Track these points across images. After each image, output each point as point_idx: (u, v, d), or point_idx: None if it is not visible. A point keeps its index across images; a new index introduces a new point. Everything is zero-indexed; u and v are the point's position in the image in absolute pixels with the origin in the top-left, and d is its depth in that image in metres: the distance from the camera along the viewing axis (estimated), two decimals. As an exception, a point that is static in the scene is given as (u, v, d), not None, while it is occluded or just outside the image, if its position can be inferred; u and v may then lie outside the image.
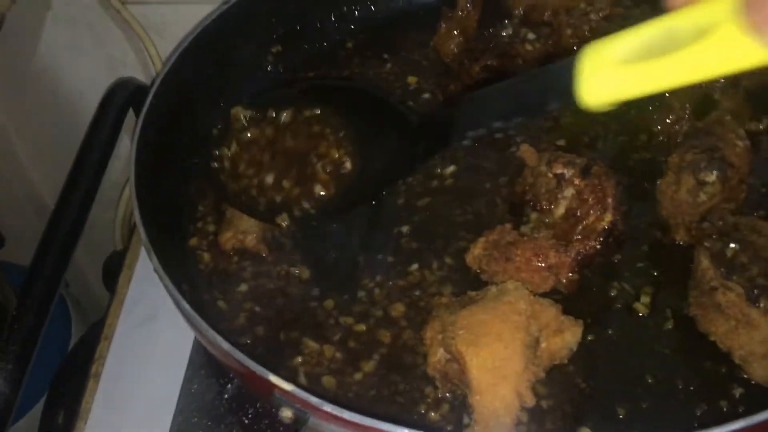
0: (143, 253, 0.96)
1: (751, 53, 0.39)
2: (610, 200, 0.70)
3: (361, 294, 0.74)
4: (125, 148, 1.07)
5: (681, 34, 0.42)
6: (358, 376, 0.68)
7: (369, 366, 0.69)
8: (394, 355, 0.69)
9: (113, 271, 1.06)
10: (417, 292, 0.74)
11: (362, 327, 0.72)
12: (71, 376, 1.11)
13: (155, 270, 0.63)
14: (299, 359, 0.70)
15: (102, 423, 0.80)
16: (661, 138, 0.82)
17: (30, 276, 0.84)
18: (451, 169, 0.84)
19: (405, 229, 0.79)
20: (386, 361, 0.69)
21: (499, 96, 0.61)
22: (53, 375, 1.14)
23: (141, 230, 0.65)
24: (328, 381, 0.68)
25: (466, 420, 0.63)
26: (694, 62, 0.41)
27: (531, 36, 0.89)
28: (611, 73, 0.46)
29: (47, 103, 1.29)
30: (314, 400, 0.53)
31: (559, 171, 0.73)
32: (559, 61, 0.49)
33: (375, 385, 0.68)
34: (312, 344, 0.70)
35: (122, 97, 1.03)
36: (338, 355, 0.70)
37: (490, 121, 0.60)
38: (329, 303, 0.74)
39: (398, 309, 0.73)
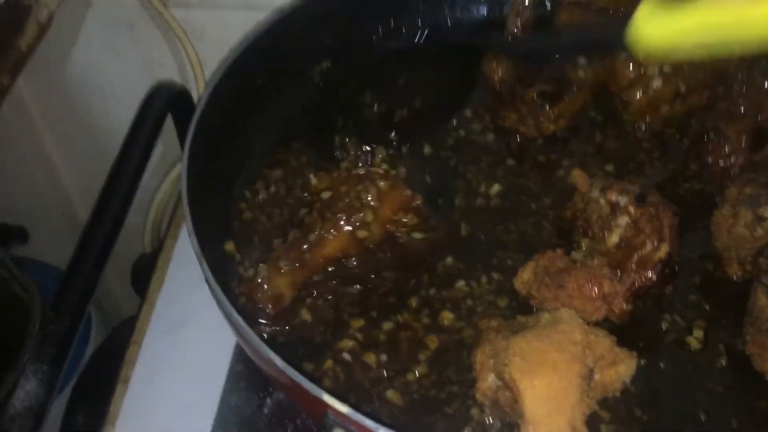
0: (177, 257, 0.95)
1: None
2: (667, 231, 0.69)
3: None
4: (157, 151, 1.07)
5: None
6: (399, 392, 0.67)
7: (415, 373, 0.68)
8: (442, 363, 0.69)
9: (142, 273, 1.05)
10: (467, 303, 0.73)
11: (408, 333, 0.71)
12: (95, 381, 1.11)
13: (206, 280, 0.62)
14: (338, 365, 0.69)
15: (132, 430, 0.79)
16: (714, 169, 0.80)
17: (67, 278, 0.83)
18: (495, 188, 0.83)
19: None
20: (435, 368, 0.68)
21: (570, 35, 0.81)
22: (77, 377, 1.13)
23: (192, 239, 0.63)
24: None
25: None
26: (739, 15, 0.47)
27: (582, 61, 0.87)
28: (663, 14, 0.53)
29: (80, 102, 1.28)
30: (370, 423, 0.52)
31: (613, 198, 0.72)
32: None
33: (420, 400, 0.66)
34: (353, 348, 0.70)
35: (162, 100, 1.02)
36: (383, 359, 0.69)
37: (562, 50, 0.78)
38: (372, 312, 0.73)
39: (447, 317, 0.72)
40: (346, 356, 0.69)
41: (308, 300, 0.73)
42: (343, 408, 0.52)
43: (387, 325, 0.71)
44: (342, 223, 0.73)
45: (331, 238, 0.73)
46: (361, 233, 0.74)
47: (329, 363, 0.69)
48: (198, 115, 0.74)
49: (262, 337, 0.67)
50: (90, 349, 1.26)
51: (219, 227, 0.77)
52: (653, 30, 0.54)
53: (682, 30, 0.52)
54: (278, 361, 0.55)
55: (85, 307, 0.83)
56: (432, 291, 0.74)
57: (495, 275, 0.75)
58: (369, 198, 0.74)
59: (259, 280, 0.69)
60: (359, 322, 0.71)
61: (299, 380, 0.53)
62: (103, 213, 0.89)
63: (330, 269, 0.74)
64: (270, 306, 0.70)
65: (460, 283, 0.74)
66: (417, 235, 0.77)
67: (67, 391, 1.12)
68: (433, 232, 0.78)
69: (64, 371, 0.77)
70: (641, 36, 0.55)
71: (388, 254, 0.76)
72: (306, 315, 0.72)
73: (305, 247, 0.72)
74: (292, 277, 0.71)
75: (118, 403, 0.82)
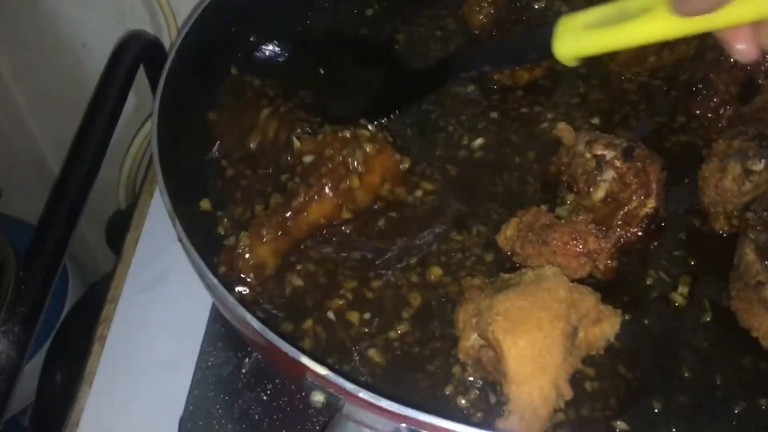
0: (152, 214, 0.92)
1: (675, 26, 0.54)
2: (654, 185, 0.67)
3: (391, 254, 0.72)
4: (130, 104, 1.03)
5: (631, 11, 0.57)
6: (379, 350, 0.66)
7: (397, 331, 0.67)
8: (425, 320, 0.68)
9: (117, 230, 1.02)
10: (456, 257, 0.72)
11: (393, 291, 0.70)
12: (72, 338, 1.09)
13: (179, 239, 0.60)
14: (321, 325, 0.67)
15: (108, 389, 0.78)
16: (702, 121, 0.78)
17: (37, 237, 0.81)
18: (479, 141, 0.80)
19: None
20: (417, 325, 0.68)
21: (490, 47, 0.82)
22: (52, 334, 1.12)
23: (165, 198, 0.61)
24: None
25: (494, 402, 0.61)
26: (639, 30, 0.57)
27: (564, 9, 0.85)
28: (578, 34, 0.61)
29: (50, 52, 1.23)
30: (350, 386, 0.50)
31: (599, 152, 0.70)
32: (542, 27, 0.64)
33: (402, 357, 0.65)
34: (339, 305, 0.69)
35: (133, 51, 0.98)
36: (366, 317, 0.68)
37: (480, 65, 0.77)
38: (355, 269, 0.71)
39: (435, 272, 0.70)
40: (330, 315, 0.68)
41: (298, 266, 0.71)
42: (321, 370, 0.51)
43: (376, 283, 0.70)
44: (326, 189, 0.70)
45: (315, 205, 0.70)
46: (347, 200, 0.71)
47: (309, 323, 0.67)
48: (168, 66, 0.71)
49: (241, 298, 0.66)
50: (68, 306, 1.24)
51: (195, 184, 0.75)
52: (569, 48, 0.62)
53: (593, 47, 0.61)
54: (255, 323, 0.53)
55: (58, 264, 0.81)
56: (432, 247, 0.72)
57: (482, 228, 0.73)
58: (355, 163, 0.71)
59: (240, 250, 0.67)
60: (352, 284, 0.70)
61: (276, 342, 0.52)
62: (74, 167, 0.86)
63: (323, 233, 0.72)
64: (252, 275, 0.68)
65: (453, 234, 0.73)
66: (409, 197, 0.75)
67: (45, 349, 1.11)
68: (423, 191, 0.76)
69: (36, 331, 0.75)
70: (559, 51, 0.63)
71: (381, 217, 0.74)
72: (297, 281, 0.70)
73: (288, 214, 0.69)
74: (275, 244, 0.69)
75: (94, 363, 0.81)
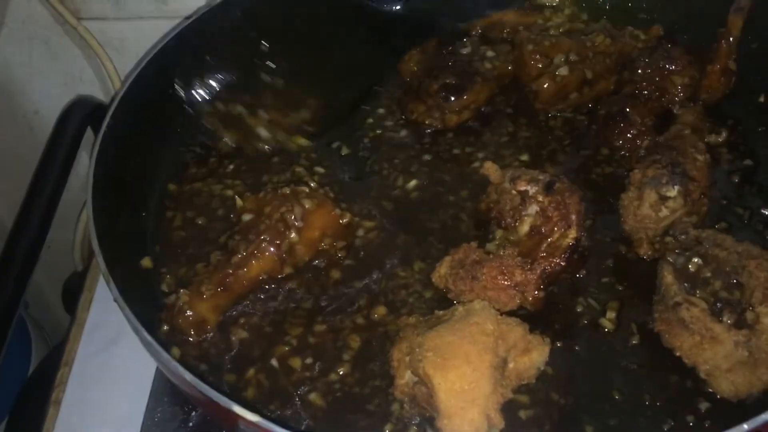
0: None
1: None
2: (574, 217, 0.70)
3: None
4: (84, 167, 1.05)
5: None
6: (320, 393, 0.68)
7: (338, 373, 0.69)
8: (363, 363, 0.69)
9: (73, 292, 1.03)
10: (401, 294, 0.74)
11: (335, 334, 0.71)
12: (32, 402, 1.09)
13: (114, 299, 0.62)
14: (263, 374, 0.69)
15: (63, 452, 0.78)
16: (623, 152, 0.82)
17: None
18: (413, 182, 0.84)
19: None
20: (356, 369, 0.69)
21: None
22: (13, 400, 1.11)
23: (99, 258, 0.63)
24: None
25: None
26: None
27: (490, 54, 0.89)
28: None
29: (3, 122, 1.26)
30: (278, 430, 0.52)
31: (522, 188, 0.73)
32: None
33: (342, 399, 0.67)
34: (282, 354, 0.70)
35: (80, 115, 1.01)
36: (308, 362, 0.69)
37: None
38: (302, 316, 0.73)
39: (380, 312, 0.72)
40: (273, 362, 0.69)
41: (242, 319, 0.73)
42: (251, 417, 0.52)
43: (319, 328, 0.72)
44: (265, 245, 0.72)
45: (255, 261, 0.72)
46: (288, 255, 0.73)
47: (251, 372, 0.69)
48: (103, 131, 0.73)
49: (185, 354, 0.67)
50: (31, 369, 1.24)
51: (136, 244, 0.77)
52: None
53: None
54: (187, 375, 0.55)
55: (8, 328, 0.81)
56: (381, 284, 0.75)
57: (422, 265, 0.76)
58: (293, 218, 0.73)
59: (180, 306, 0.69)
60: (298, 330, 0.72)
61: (206, 392, 0.54)
62: (24, 227, 0.88)
63: (266, 287, 0.74)
64: (193, 332, 0.69)
65: (398, 270, 0.76)
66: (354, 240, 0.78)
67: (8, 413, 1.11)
68: (364, 230, 0.79)
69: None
70: None
71: (325, 267, 0.76)
72: (242, 333, 0.72)
73: (229, 270, 0.71)
74: (216, 301, 0.71)
75: (50, 427, 0.81)
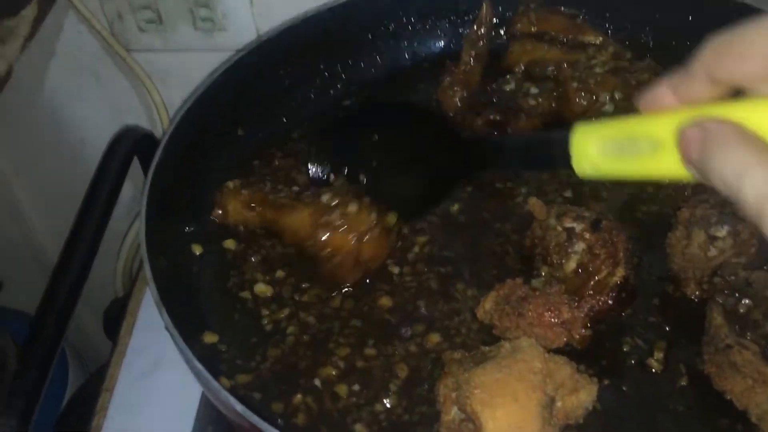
0: (146, 301, 0.95)
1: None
2: (621, 255, 0.70)
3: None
4: (127, 195, 1.07)
5: (643, 141, 0.49)
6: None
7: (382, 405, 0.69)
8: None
9: (114, 319, 1.05)
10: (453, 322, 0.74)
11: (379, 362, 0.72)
12: (71, 429, 1.10)
13: (166, 328, 0.63)
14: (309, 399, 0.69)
15: (105, 479, 0.79)
16: (669, 191, 0.82)
17: (34, 328, 0.83)
18: (456, 206, 0.84)
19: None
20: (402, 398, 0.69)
21: (516, 146, 0.69)
22: (51, 426, 1.13)
23: (152, 287, 0.64)
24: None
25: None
26: (647, 168, 0.50)
27: (534, 90, 0.89)
28: (593, 157, 0.53)
29: (50, 150, 1.29)
30: (330, 464, 0.52)
31: (568, 225, 0.73)
32: (559, 131, 0.56)
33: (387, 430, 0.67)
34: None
35: (127, 145, 1.03)
36: (354, 388, 0.69)
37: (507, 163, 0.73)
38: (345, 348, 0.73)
39: (434, 339, 0.73)
40: (317, 384, 0.70)
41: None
42: (303, 450, 0.53)
43: (369, 352, 0.72)
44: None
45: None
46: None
47: (298, 398, 0.69)
48: (156, 162, 0.75)
49: (228, 383, 0.68)
50: (68, 396, 1.25)
51: (181, 269, 0.78)
52: (586, 168, 0.54)
53: (608, 172, 0.53)
54: (237, 406, 0.55)
55: (53, 355, 0.82)
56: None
57: (474, 292, 0.76)
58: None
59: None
60: (346, 350, 0.72)
61: (258, 423, 0.54)
62: (70, 259, 0.89)
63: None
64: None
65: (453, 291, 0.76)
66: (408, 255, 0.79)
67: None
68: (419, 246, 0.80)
69: (32, 422, 0.77)
70: (578, 168, 0.55)
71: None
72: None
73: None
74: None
75: (91, 454, 0.82)
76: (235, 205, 0.79)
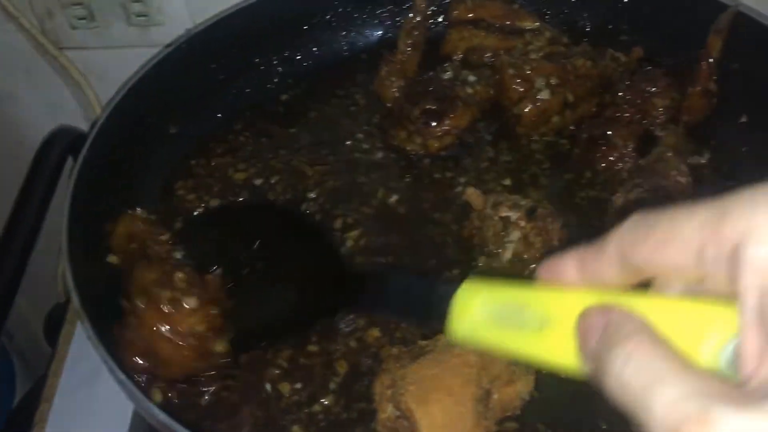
0: (86, 307, 0.93)
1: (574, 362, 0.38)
2: (556, 243, 0.70)
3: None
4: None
5: (530, 314, 0.42)
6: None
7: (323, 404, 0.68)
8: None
9: (56, 324, 1.02)
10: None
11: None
12: (16, 436, 1.07)
13: (88, 338, 0.61)
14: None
15: (43, 492, 0.77)
16: (606, 175, 0.82)
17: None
18: (394, 197, 0.83)
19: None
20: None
21: (394, 293, 0.60)
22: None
23: (73, 295, 0.62)
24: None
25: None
26: (529, 346, 0.42)
27: (472, 78, 0.88)
28: (470, 320, 0.46)
29: (-15, 153, 1.25)
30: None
31: (504, 214, 0.73)
32: (446, 285, 0.48)
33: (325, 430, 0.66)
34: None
35: (61, 145, 1.00)
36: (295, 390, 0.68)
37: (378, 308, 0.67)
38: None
39: (374, 334, 0.71)
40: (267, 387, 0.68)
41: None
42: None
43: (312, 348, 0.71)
44: None
45: None
46: None
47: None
48: (81, 159, 0.72)
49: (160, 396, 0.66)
50: (16, 402, 1.22)
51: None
52: (463, 332, 0.47)
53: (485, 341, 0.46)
54: (161, 416, 0.53)
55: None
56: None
57: None
58: None
59: None
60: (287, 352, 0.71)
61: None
62: (2, 263, 0.87)
63: None
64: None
65: None
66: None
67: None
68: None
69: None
70: (454, 331, 0.48)
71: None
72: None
73: None
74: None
75: (32, 467, 0.80)
76: (120, 230, 0.70)
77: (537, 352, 0.41)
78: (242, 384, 0.68)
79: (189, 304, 0.62)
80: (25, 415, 1.08)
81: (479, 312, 0.45)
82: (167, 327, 0.60)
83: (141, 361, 0.61)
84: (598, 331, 0.36)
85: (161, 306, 0.60)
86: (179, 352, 0.61)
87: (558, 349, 0.40)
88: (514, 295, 0.44)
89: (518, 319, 0.42)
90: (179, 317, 0.61)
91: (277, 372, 0.69)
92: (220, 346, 0.63)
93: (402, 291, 0.59)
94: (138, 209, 0.71)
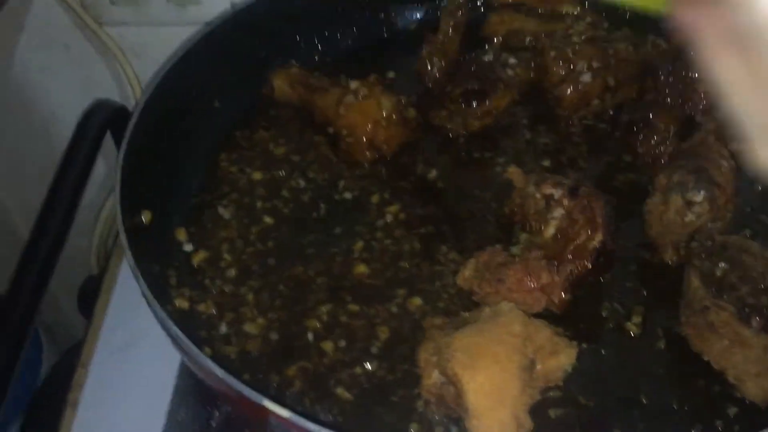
0: (121, 278, 0.94)
1: None
2: (599, 220, 0.70)
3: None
4: (100, 170, 1.05)
5: None
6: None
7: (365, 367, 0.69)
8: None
9: (89, 296, 1.03)
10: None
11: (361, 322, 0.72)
12: (46, 405, 1.08)
13: (143, 294, 0.62)
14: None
15: (82, 454, 0.78)
16: (646, 159, 0.82)
17: (6, 305, 0.81)
18: (434, 173, 0.84)
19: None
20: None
21: None
22: (26, 404, 1.11)
23: (128, 254, 0.63)
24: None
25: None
26: None
27: (512, 60, 0.89)
28: None
29: (20, 125, 1.26)
30: (313, 426, 0.52)
31: (547, 192, 0.73)
32: None
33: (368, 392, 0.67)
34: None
35: (100, 118, 1.01)
36: (339, 353, 0.69)
37: None
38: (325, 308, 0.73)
39: (416, 302, 0.73)
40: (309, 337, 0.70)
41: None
42: (284, 413, 0.52)
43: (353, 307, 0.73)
44: None
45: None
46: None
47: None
48: (128, 134, 0.73)
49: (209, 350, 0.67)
50: (43, 375, 1.23)
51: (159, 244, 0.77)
52: None
53: None
54: (218, 371, 0.54)
55: (26, 336, 0.81)
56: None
57: (456, 256, 0.76)
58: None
59: None
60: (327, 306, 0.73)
61: (238, 387, 0.53)
62: (42, 236, 0.87)
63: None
64: None
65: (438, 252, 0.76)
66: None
67: (22, 418, 1.10)
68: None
69: (5, 402, 0.75)
70: None
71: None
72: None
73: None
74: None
75: (68, 429, 0.81)
76: (280, 83, 0.89)
77: None
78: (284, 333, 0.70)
79: (374, 94, 0.84)
80: (58, 383, 1.10)
81: None
82: (372, 118, 0.83)
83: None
84: None
85: (356, 106, 0.83)
86: (391, 132, 0.84)
87: None
88: None
89: None
90: (373, 106, 0.83)
91: (318, 325, 0.71)
92: (411, 113, 0.86)
93: None
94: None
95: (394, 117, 0.82)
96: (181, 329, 0.60)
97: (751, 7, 0.28)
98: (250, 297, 0.74)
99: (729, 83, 0.32)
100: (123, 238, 0.64)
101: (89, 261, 1.19)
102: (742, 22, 0.28)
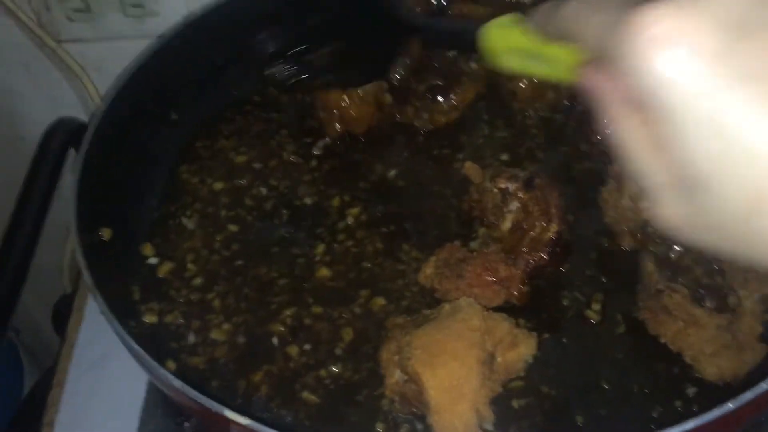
0: (92, 296, 0.94)
1: None
2: (554, 210, 0.71)
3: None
4: (70, 188, 1.05)
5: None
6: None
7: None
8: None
9: (63, 315, 1.03)
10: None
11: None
12: (26, 426, 1.08)
13: (102, 312, 0.62)
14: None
15: (59, 472, 0.78)
16: (601, 147, 0.83)
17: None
18: (393, 171, 0.85)
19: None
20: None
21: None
22: (6, 425, 1.11)
23: (85, 273, 0.63)
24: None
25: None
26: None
27: (475, 54, 0.89)
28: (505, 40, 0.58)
29: (-14, 149, 1.26)
30: (270, 432, 0.52)
31: (502, 186, 0.74)
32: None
33: (334, 394, 0.68)
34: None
35: (62, 137, 1.01)
36: (303, 357, 0.70)
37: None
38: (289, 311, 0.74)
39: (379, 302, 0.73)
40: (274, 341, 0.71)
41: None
42: (243, 420, 0.53)
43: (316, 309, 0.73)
44: None
45: None
46: None
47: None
48: (83, 151, 0.74)
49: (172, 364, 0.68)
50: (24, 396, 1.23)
51: (122, 260, 0.77)
52: (494, 40, 0.60)
53: (512, 47, 0.58)
54: (175, 382, 0.55)
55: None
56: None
57: (417, 254, 0.77)
58: None
59: None
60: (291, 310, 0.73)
61: (198, 399, 0.54)
62: (7, 256, 0.87)
63: None
64: None
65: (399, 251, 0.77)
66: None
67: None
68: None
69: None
70: (486, 41, 0.61)
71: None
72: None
73: None
74: None
75: (46, 450, 0.81)
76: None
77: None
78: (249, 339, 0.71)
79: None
80: (35, 403, 1.10)
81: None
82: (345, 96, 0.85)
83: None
84: None
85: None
86: (361, 112, 0.86)
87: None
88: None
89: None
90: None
91: (282, 329, 0.72)
92: (386, 99, 0.87)
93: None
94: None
95: (371, 97, 0.85)
96: (143, 344, 0.60)
97: (645, 72, 0.30)
98: (216, 303, 0.75)
99: (629, 144, 0.34)
100: (80, 255, 0.64)
101: (63, 280, 1.19)
102: (637, 86, 0.30)
